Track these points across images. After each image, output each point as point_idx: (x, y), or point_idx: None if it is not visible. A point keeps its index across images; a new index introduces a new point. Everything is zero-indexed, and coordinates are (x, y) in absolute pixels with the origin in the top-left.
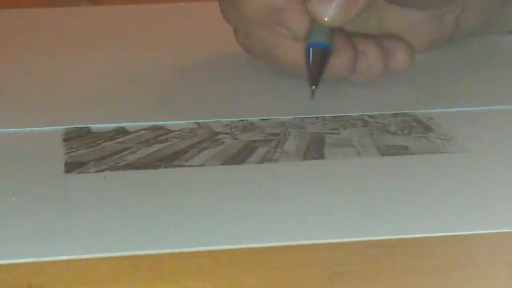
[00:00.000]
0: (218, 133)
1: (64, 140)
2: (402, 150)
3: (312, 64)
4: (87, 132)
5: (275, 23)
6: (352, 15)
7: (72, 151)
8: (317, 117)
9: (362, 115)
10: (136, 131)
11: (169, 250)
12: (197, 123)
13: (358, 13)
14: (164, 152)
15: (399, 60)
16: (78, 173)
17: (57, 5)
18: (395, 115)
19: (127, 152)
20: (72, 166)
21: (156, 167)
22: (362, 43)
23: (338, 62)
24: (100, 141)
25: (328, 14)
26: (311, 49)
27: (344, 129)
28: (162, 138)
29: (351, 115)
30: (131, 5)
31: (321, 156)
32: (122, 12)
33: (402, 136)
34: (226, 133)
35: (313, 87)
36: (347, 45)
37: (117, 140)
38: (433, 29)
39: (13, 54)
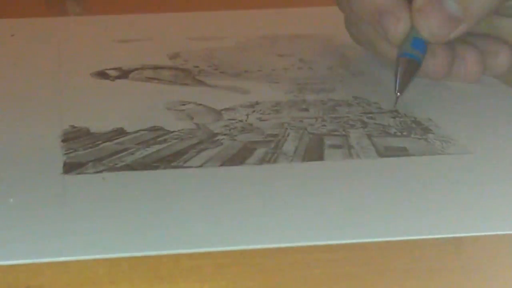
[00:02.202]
0: (217, 134)
1: (63, 140)
2: (401, 152)
3: (399, 72)
4: (86, 132)
5: (377, 22)
6: (452, 36)
7: (71, 152)
8: (316, 118)
9: (361, 116)
10: (135, 132)
11: (167, 252)
12: (196, 124)
13: (458, 35)
14: (163, 153)
15: (499, 63)
16: (77, 174)
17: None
18: (394, 116)
19: (125, 153)
20: (70, 167)
21: (154, 168)
22: (462, 48)
23: (433, 66)
24: (98, 142)
25: (429, 31)
26: (400, 58)
27: (343, 130)
28: (161, 139)
29: (350, 116)
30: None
31: (320, 158)
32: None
33: (401, 137)
34: (225, 134)
35: (398, 94)
36: (445, 49)
37: (116, 141)
38: None
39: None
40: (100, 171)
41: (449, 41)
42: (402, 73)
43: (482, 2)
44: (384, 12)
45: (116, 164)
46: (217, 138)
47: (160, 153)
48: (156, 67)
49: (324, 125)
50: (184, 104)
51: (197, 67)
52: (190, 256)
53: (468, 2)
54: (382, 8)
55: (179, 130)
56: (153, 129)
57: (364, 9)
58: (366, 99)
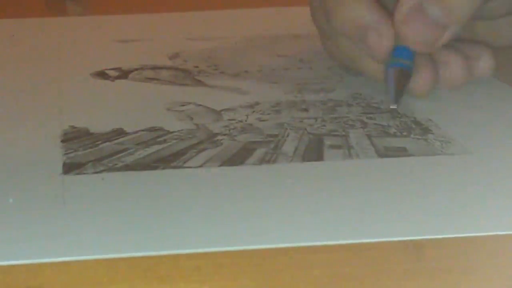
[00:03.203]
0: (216, 134)
1: (62, 141)
2: (401, 152)
3: (393, 84)
4: (85, 133)
5: (360, 39)
6: (439, 43)
7: (70, 152)
8: (316, 118)
9: (361, 116)
10: (134, 132)
11: (167, 252)
12: (196, 124)
13: (446, 42)
14: (163, 153)
15: (482, 66)
16: (76, 174)
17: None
18: (394, 116)
19: (125, 153)
20: (70, 167)
21: (154, 168)
22: (444, 54)
23: (420, 80)
24: (98, 142)
25: (416, 41)
26: (391, 69)
27: (343, 131)
28: (160, 139)
29: (349, 116)
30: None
31: (320, 158)
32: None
33: (401, 137)
34: (225, 134)
35: (395, 106)
36: (428, 62)
37: (116, 141)
38: None
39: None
40: (100, 171)
41: (438, 49)
42: (395, 84)
43: (464, 5)
44: (367, 28)
45: (116, 164)
46: (216, 138)
47: (159, 153)
48: (155, 67)
49: (324, 125)
50: (184, 105)
51: (197, 67)
52: (190, 256)
53: (451, 6)
54: (364, 24)
55: (178, 131)
56: (153, 129)
57: (345, 25)
58: (366, 99)
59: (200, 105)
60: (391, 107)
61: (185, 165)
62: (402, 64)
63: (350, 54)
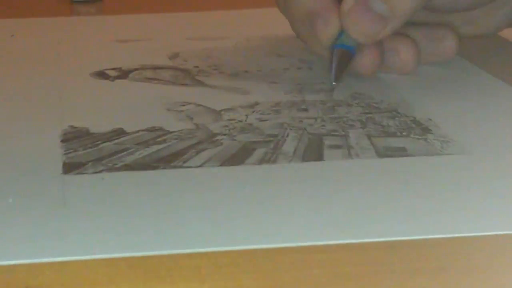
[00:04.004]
0: (216, 134)
1: (62, 141)
2: (400, 152)
3: (334, 63)
4: (85, 133)
5: (308, 24)
6: (381, 36)
7: (70, 152)
8: (316, 118)
9: (361, 116)
10: (134, 132)
11: (167, 252)
12: (196, 124)
13: (387, 35)
14: (163, 153)
15: (447, 47)
16: (76, 174)
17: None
18: (394, 116)
19: (125, 153)
20: (70, 167)
21: (154, 168)
22: (394, 40)
23: (361, 62)
24: (98, 142)
25: (358, 32)
26: (334, 50)
27: (343, 131)
28: (160, 139)
29: (349, 116)
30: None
31: (320, 158)
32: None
33: (401, 137)
34: (225, 134)
35: (333, 83)
36: (372, 45)
37: (115, 141)
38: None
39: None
40: (100, 171)
41: (379, 41)
42: (336, 63)
43: (407, 2)
44: (314, 15)
45: (116, 164)
46: (216, 138)
47: (159, 153)
48: (155, 67)
49: (324, 125)
50: (183, 105)
51: (196, 67)
52: (190, 256)
53: (395, 2)
54: (312, 11)
55: (178, 130)
56: (153, 129)
57: (296, 11)
58: (366, 99)
59: (200, 105)
60: (332, 83)
61: (185, 165)
62: (346, 45)
63: (304, 37)
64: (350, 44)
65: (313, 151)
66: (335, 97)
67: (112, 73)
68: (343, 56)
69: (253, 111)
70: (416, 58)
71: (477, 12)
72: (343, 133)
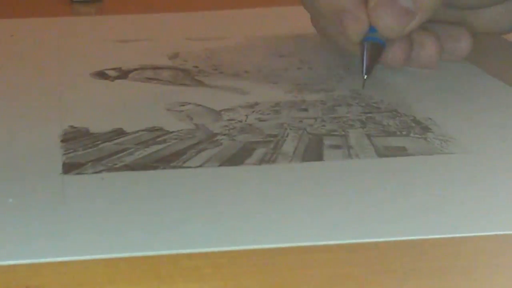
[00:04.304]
0: (216, 134)
1: (62, 141)
2: (400, 151)
3: (365, 56)
4: (85, 133)
5: (337, 22)
6: (407, 30)
7: (70, 152)
8: (316, 118)
9: (361, 116)
10: (134, 132)
11: (166, 252)
12: (196, 124)
13: (413, 28)
14: (162, 153)
15: (460, 47)
16: (76, 174)
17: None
18: (393, 116)
19: (125, 153)
20: (69, 167)
21: (154, 168)
22: (419, 34)
23: (391, 54)
24: (98, 142)
25: (385, 27)
26: (365, 42)
27: (343, 130)
28: (160, 139)
29: (349, 116)
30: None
31: (320, 158)
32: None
33: (401, 137)
34: (224, 134)
35: (365, 76)
36: (402, 38)
37: (115, 141)
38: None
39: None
40: (100, 171)
41: (406, 35)
42: (368, 56)
43: None
44: (343, 12)
45: (116, 164)
46: (216, 138)
47: (159, 153)
48: (155, 67)
49: (324, 125)
50: (183, 105)
51: (196, 67)
52: (189, 256)
53: None
54: (341, 8)
55: (178, 131)
56: (153, 129)
57: (325, 8)
58: (366, 99)
59: (199, 105)
60: (364, 76)
61: (185, 165)
62: (376, 38)
63: (332, 35)
64: (380, 38)
65: (313, 151)
66: (366, 90)
67: (112, 73)
68: (373, 49)
69: (253, 111)
70: (440, 53)
71: (492, 10)
72: (343, 133)
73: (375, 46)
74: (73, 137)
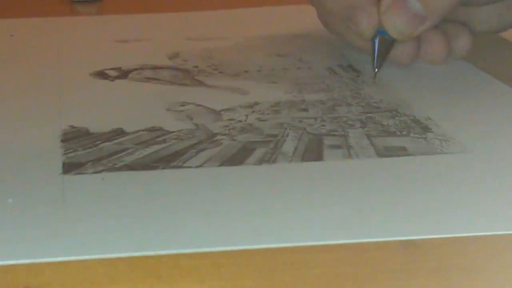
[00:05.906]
0: (216, 134)
1: (62, 141)
2: (400, 151)
3: (377, 51)
4: (85, 133)
5: (349, 19)
6: (417, 33)
7: (70, 152)
8: (316, 118)
9: (361, 115)
10: (134, 132)
11: (166, 252)
12: (196, 124)
13: (423, 32)
14: (162, 153)
15: (460, 45)
16: (76, 174)
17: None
18: (393, 115)
19: (125, 153)
20: (69, 167)
21: (154, 168)
22: (428, 32)
23: (401, 51)
24: (98, 142)
25: (396, 30)
26: (377, 37)
27: (343, 130)
28: (160, 139)
29: (349, 116)
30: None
31: (319, 158)
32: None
33: (401, 136)
34: (224, 134)
35: (376, 70)
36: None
37: (115, 141)
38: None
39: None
40: (100, 171)
41: (415, 37)
42: (379, 50)
43: (444, 1)
44: (356, 8)
45: (116, 164)
46: (216, 138)
47: (159, 153)
48: (155, 67)
49: (324, 125)
50: (183, 105)
51: (196, 67)
52: (189, 256)
53: (431, 1)
54: (353, 4)
55: (178, 130)
56: (153, 129)
57: (336, 5)
58: (366, 99)
59: (199, 105)
60: (375, 70)
61: (185, 165)
62: (386, 33)
63: (341, 32)
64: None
65: (313, 151)
66: (377, 83)
67: (112, 73)
68: (384, 44)
69: (253, 111)
70: (447, 49)
71: (493, 9)
72: (343, 133)
73: (385, 42)
74: (73, 137)
